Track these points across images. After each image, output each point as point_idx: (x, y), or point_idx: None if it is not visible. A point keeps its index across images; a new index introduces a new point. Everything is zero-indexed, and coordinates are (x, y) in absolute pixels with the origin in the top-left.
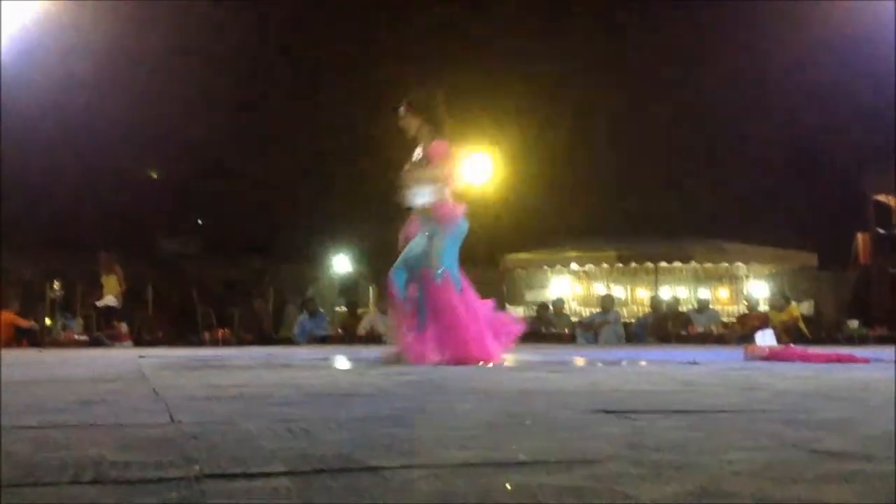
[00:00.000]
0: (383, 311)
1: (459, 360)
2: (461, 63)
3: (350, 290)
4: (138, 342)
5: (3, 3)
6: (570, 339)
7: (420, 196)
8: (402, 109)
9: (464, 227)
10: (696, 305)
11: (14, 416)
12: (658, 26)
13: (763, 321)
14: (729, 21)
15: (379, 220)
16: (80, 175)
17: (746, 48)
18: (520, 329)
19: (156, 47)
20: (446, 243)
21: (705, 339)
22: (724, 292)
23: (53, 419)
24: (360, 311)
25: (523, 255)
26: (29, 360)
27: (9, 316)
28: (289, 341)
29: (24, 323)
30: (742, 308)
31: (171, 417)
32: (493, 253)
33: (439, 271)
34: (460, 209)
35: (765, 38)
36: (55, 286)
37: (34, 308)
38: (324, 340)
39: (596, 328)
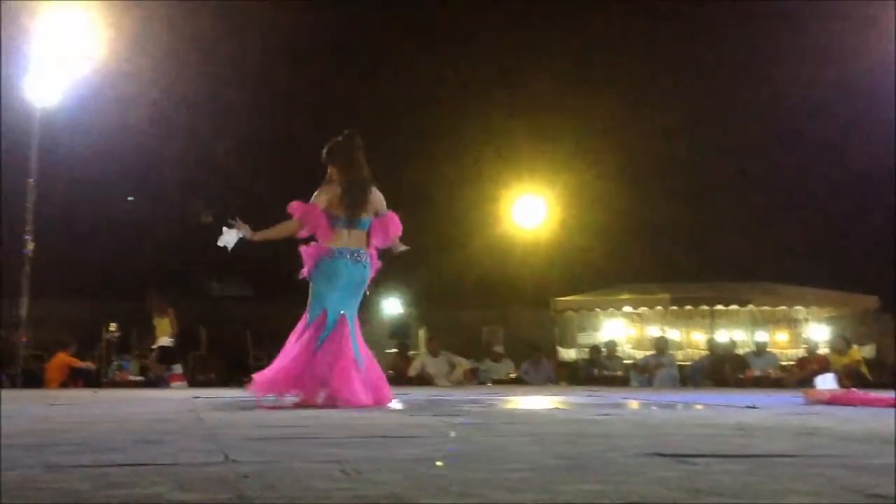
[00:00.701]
0: (434, 354)
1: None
2: (514, 108)
3: (400, 332)
4: (192, 383)
5: (64, 51)
6: (624, 382)
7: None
8: (323, 158)
9: (327, 267)
10: (753, 349)
11: (73, 455)
12: (709, 69)
13: (823, 365)
14: (777, 53)
15: (429, 263)
16: (135, 218)
17: (797, 78)
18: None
19: (210, 94)
20: (314, 285)
21: (763, 382)
22: (781, 336)
23: (112, 458)
24: (410, 353)
25: (575, 298)
26: (85, 401)
27: (65, 357)
28: None
29: (81, 364)
30: (801, 352)
31: (226, 457)
32: (544, 295)
33: (311, 313)
34: (315, 251)
35: (818, 68)
36: (111, 327)
37: (90, 349)
38: None
39: (650, 371)
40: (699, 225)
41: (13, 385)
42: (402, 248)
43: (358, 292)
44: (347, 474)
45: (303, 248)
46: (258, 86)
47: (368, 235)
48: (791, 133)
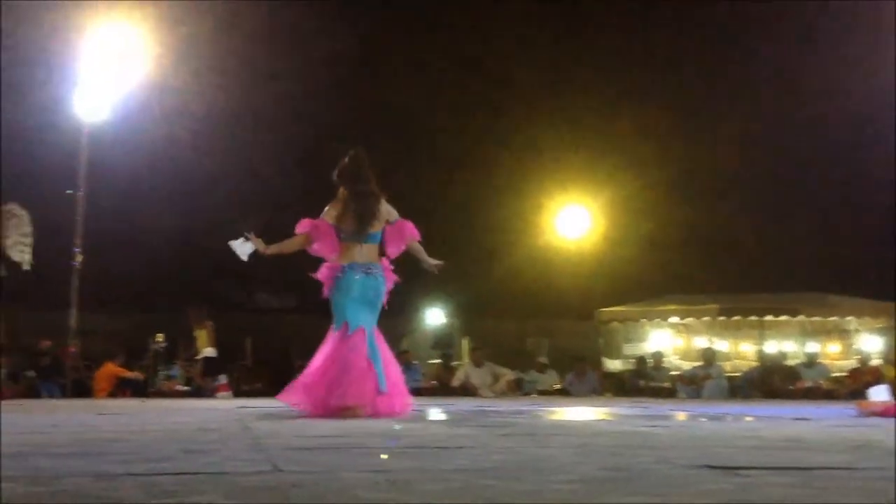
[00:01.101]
0: (477, 364)
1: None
2: (559, 118)
3: (444, 343)
4: (237, 393)
5: (112, 67)
6: (670, 394)
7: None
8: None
9: (341, 282)
10: (803, 360)
11: (124, 464)
12: (762, 80)
13: (876, 376)
14: (831, 63)
15: (473, 274)
16: (182, 231)
17: (853, 89)
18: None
19: (253, 107)
20: (333, 300)
21: (814, 394)
22: (833, 347)
23: (162, 467)
24: (453, 363)
25: (620, 308)
26: (134, 410)
27: (113, 367)
28: None
29: (128, 374)
30: (852, 363)
31: (274, 466)
32: (589, 306)
33: (335, 326)
34: (329, 270)
35: (874, 78)
36: (158, 338)
37: (138, 359)
38: (418, 392)
39: (697, 382)
40: (748, 235)
41: (63, 394)
42: (435, 262)
43: (374, 305)
44: (394, 484)
45: (319, 271)
46: (301, 98)
47: (381, 249)
48: (842, 143)
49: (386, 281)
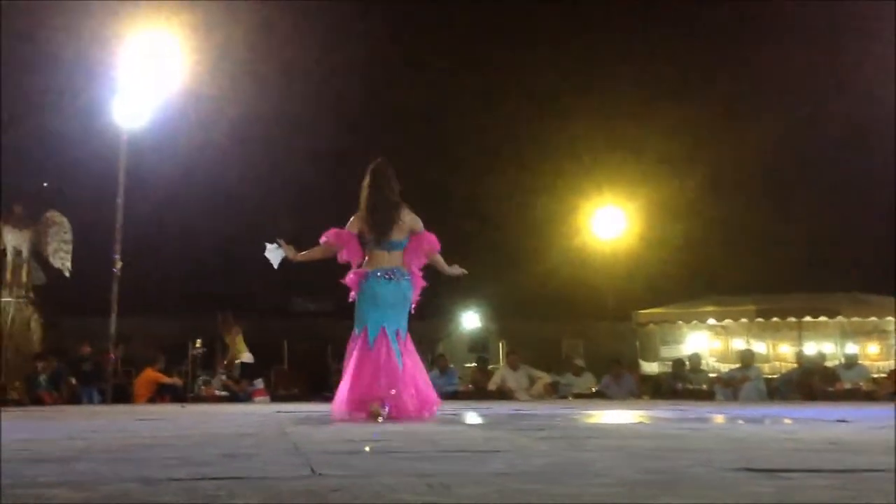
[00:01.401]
0: (513, 367)
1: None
2: (595, 118)
3: (480, 346)
4: (275, 398)
5: (150, 75)
6: (708, 396)
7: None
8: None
9: (365, 288)
10: (843, 361)
11: (165, 469)
12: (802, 79)
13: None
14: (873, 62)
15: (508, 277)
16: (219, 235)
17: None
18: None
19: (289, 112)
20: (357, 305)
21: (854, 395)
22: (872, 348)
23: (202, 472)
24: (490, 366)
25: (657, 311)
26: (173, 416)
27: (152, 373)
28: None
29: (168, 379)
30: (892, 363)
31: (313, 470)
32: (625, 308)
33: (356, 331)
34: (355, 277)
35: None
36: (197, 344)
37: (177, 365)
38: (454, 396)
39: (735, 384)
40: (785, 235)
41: (103, 400)
42: (459, 271)
43: (399, 308)
44: (433, 488)
45: (347, 277)
46: (336, 101)
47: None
48: (884, 141)
49: (412, 286)
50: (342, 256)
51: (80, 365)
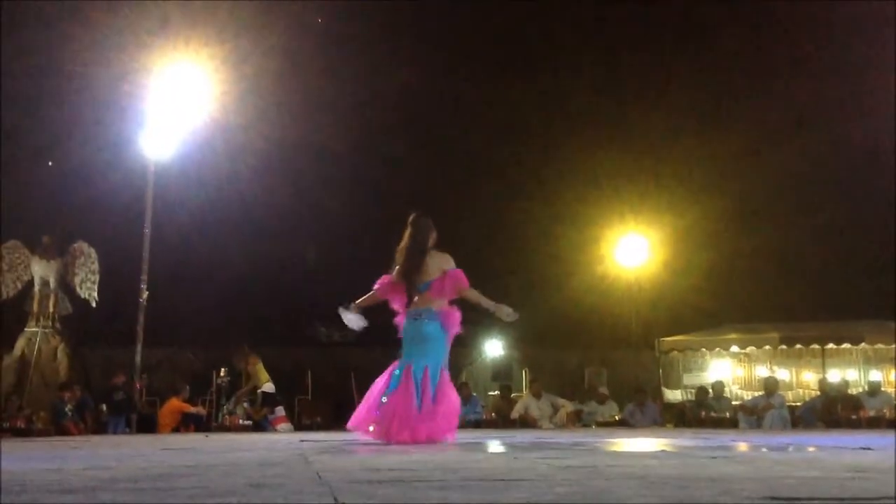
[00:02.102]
0: (537, 395)
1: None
2: (617, 148)
3: (503, 374)
4: (298, 426)
5: (178, 106)
6: (732, 424)
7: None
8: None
9: (403, 326)
10: (866, 388)
11: (190, 498)
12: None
13: None
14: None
15: (531, 305)
16: (245, 266)
17: None
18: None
19: (318, 142)
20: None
21: (878, 423)
22: None
23: (227, 501)
24: (513, 395)
25: (680, 338)
26: (197, 445)
27: (177, 403)
28: None
29: (192, 409)
30: None
31: (336, 499)
32: (648, 336)
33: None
34: (400, 319)
35: None
36: (222, 373)
37: (202, 394)
38: (477, 425)
39: (759, 412)
40: (809, 263)
41: (129, 430)
42: (506, 312)
43: (422, 345)
44: None
45: (455, 312)
46: (364, 133)
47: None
48: None
49: (440, 322)
50: (391, 303)
51: (111, 394)
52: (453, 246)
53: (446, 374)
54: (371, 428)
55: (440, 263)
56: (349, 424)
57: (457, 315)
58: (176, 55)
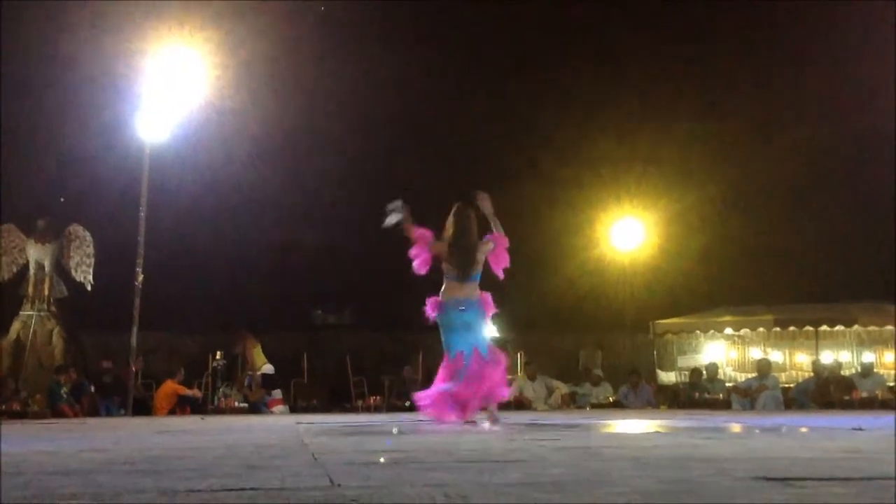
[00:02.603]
0: (531, 378)
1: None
2: (613, 131)
3: None
4: (294, 409)
5: (176, 88)
6: (725, 406)
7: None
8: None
9: (441, 317)
10: (859, 370)
11: (186, 481)
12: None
13: None
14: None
15: (526, 288)
16: (240, 249)
17: None
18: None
19: (309, 128)
20: (441, 332)
21: (870, 404)
22: (889, 356)
23: (223, 483)
24: (508, 377)
25: (675, 320)
26: (193, 428)
27: (173, 385)
28: None
29: (188, 391)
30: None
31: (332, 481)
32: (643, 318)
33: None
34: (434, 303)
35: None
36: (217, 356)
37: (197, 377)
38: None
39: (752, 394)
40: (802, 245)
41: (123, 412)
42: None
43: (471, 331)
44: (450, 499)
45: (427, 304)
46: (358, 118)
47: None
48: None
49: (483, 312)
50: (414, 253)
51: (100, 378)
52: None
53: (492, 347)
54: (437, 411)
55: (485, 252)
56: (422, 411)
57: (489, 298)
58: (171, 38)
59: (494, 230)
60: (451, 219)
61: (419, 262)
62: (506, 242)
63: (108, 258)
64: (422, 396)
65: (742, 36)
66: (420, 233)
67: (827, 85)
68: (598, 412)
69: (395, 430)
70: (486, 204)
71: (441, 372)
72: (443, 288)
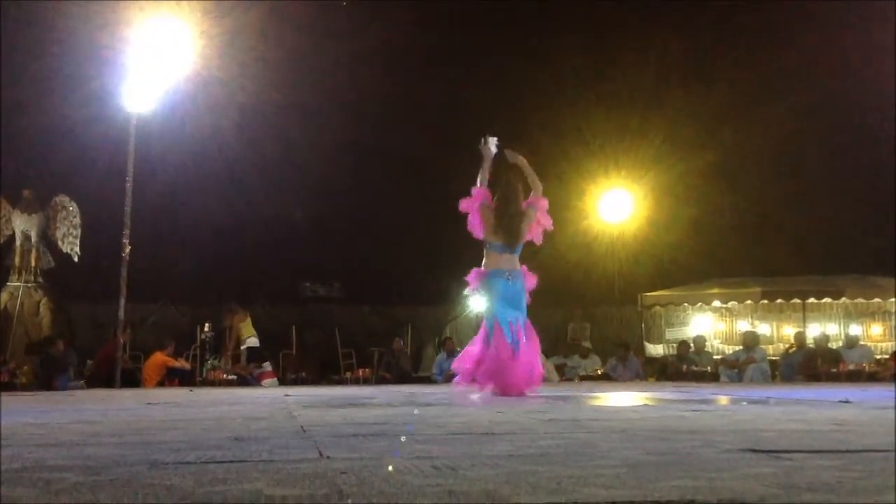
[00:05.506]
0: None
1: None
2: (602, 102)
3: None
4: (283, 381)
5: (159, 59)
6: (713, 378)
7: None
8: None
9: (487, 286)
10: (846, 342)
11: (176, 453)
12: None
13: None
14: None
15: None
16: (228, 221)
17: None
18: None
19: (298, 99)
20: (485, 302)
21: (857, 376)
22: (876, 329)
23: (211, 455)
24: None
25: (663, 293)
26: (182, 400)
27: (161, 357)
28: (427, 380)
29: (177, 363)
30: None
31: (321, 453)
32: (631, 291)
33: (486, 322)
34: (476, 275)
35: None
36: (206, 328)
37: (186, 349)
38: None
39: (740, 366)
40: (790, 218)
41: (112, 384)
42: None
43: (515, 303)
44: (440, 470)
45: (469, 275)
46: (346, 91)
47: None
48: (887, 125)
49: (526, 284)
50: (464, 206)
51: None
52: (439, 203)
53: (529, 323)
54: (474, 379)
55: (530, 221)
56: (457, 380)
57: (533, 279)
58: (156, 7)
59: (532, 189)
60: (498, 192)
61: (475, 221)
62: (545, 203)
63: (95, 229)
64: (469, 371)
65: (730, 4)
66: (481, 190)
67: (815, 57)
68: (586, 384)
69: (415, 412)
70: (519, 159)
71: (478, 345)
72: (485, 260)
